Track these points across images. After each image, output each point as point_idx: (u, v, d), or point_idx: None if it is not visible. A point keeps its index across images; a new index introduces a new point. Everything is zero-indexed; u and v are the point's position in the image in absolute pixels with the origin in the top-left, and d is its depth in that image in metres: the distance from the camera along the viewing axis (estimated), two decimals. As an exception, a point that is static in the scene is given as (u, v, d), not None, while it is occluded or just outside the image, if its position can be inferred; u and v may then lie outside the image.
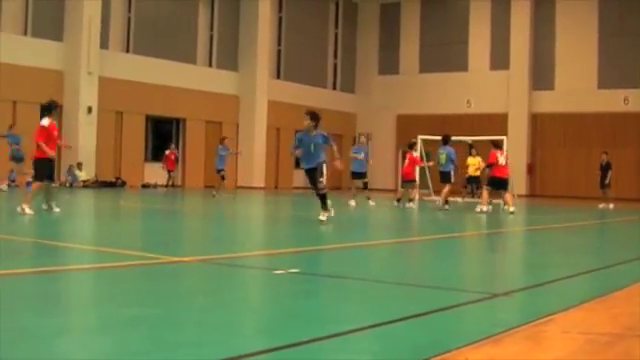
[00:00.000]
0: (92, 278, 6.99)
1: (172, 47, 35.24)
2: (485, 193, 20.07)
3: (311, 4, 42.78)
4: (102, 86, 31.08)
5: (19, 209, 13.38)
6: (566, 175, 39.02)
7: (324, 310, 5.37)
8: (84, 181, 30.09)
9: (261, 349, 4.09)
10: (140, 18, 34.08)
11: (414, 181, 22.50)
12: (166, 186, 31.22)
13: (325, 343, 4.27)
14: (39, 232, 11.57)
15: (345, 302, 5.79)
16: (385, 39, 45.08)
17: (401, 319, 5.00)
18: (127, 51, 33.63)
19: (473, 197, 26.52)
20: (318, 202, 13.71)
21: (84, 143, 30.58)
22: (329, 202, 13.69)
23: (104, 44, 31.90)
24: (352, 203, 21.17)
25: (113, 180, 31.70)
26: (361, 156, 22.35)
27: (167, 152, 31.67)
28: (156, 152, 34.99)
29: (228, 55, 38.08)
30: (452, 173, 21.27)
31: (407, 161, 22.33)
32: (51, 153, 14.10)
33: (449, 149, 21.24)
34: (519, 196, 30.76)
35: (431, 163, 23.54)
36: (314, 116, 14.04)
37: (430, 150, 27.45)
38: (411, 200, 21.94)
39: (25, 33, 30.19)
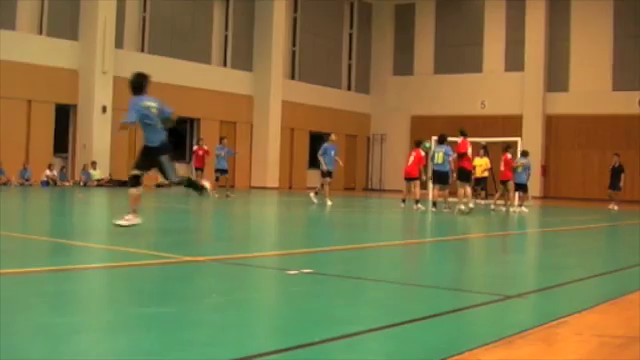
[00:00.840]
0: (106, 277, 7.02)
1: (187, 47, 35.33)
2: (465, 190, 19.73)
3: (326, 5, 42.79)
4: (117, 85, 31.14)
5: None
6: (580, 177, 38.87)
7: (337, 310, 5.38)
8: (98, 180, 30.20)
9: (274, 349, 4.10)
10: (155, 18, 34.18)
11: (417, 179, 21.94)
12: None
13: (337, 343, 4.28)
14: (52, 231, 11.60)
15: (358, 303, 5.79)
16: (400, 40, 45.06)
17: (414, 320, 5.00)
18: (142, 51, 33.73)
19: (486, 198, 26.41)
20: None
21: (98, 142, 30.71)
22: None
23: (119, 43, 32.00)
24: (313, 201, 21.33)
25: (127, 179, 31.78)
26: (332, 154, 22.31)
27: (195, 147, 28.37)
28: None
29: (243, 55, 38.13)
30: (449, 174, 20.95)
31: (412, 158, 21.92)
32: None
33: (446, 147, 20.60)
34: (533, 197, 30.69)
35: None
36: None
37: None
38: (417, 201, 21.43)
39: (40, 32, 30.34)
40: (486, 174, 25.54)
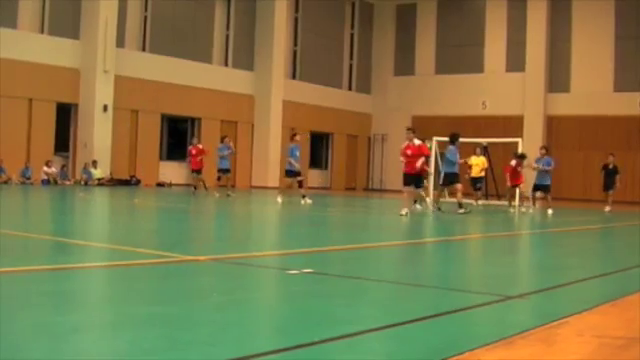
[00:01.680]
0: (106, 276, 7.03)
1: (188, 46, 35.35)
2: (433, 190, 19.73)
3: (327, 5, 42.80)
4: (118, 84, 31.21)
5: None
6: (581, 178, 38.82)
7: (337, 310, 5.37)
8: (99, 179, 30.22)
9: (274, 349, 4.10)
10: (156, 17, 34.20)
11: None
12: (195, 188, 26.24)
13: (337, 343, 4.27)
14: (54, 229, 11.60)
15: (358, 302, 5.79)
16: (401, 40, 45.06)
17: (414, 320, 4.99)
18: (143, 50, 33.76)
19: (487, 199, 26.41)
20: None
21: (99, 141, 30.73)
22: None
23: (120, 42, 32.03)
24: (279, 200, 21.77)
25: (128, 178, 31.83)
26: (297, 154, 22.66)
27: (189, 148, 27.60)
28: (171, 151, 35.14)
29: (244, 55, 38.15)
30: (445, 175, 20.87)
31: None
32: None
33: (450, 148, 20.61)
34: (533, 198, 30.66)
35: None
36: None
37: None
38: (416, 201, 21.37)
39: (42, 31, 30.37)
40: (483, 174, 25.42)
